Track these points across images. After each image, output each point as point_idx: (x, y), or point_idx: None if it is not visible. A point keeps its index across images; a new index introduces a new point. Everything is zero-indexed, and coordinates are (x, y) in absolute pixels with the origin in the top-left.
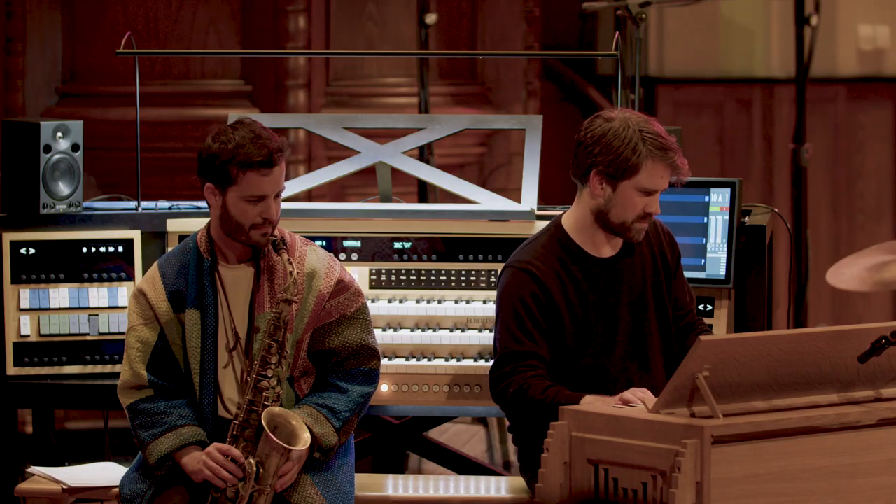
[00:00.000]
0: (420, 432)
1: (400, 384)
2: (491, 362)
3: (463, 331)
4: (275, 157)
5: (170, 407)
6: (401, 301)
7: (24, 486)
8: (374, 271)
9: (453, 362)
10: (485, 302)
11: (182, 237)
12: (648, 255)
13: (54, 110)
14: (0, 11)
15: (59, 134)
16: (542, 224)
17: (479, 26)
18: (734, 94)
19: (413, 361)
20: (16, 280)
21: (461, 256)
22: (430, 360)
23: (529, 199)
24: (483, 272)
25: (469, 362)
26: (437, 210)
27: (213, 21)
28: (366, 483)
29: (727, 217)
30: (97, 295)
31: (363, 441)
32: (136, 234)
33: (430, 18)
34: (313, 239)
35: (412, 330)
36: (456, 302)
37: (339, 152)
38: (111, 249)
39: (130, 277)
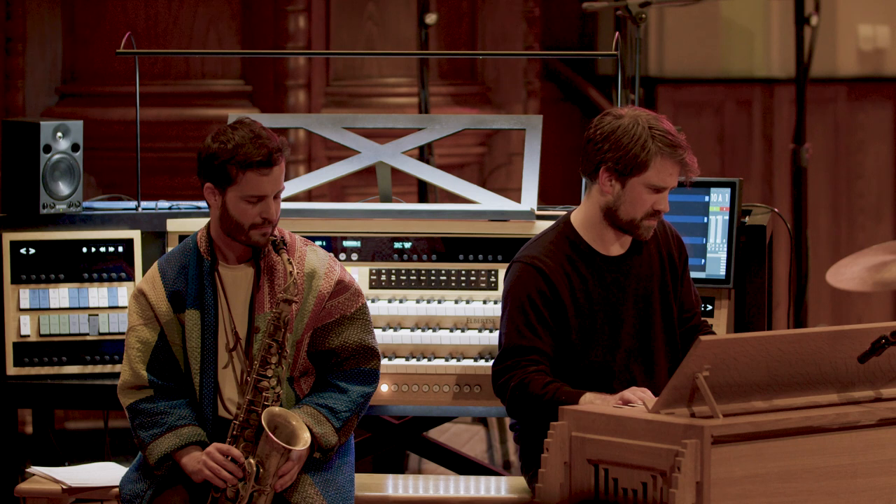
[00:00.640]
0: (420, 432)
1: (400, 384)
2: (491, 362)
3: (463, 331)
4: (274, 157)
5: (170, 407)
6: (401, 301)
7: (24, 486)
8: (374, 271)
9: (453, 362)
10: (485, 302)
11: (182, 237)
12: (656, 255)
13: (54, 110)
14: (0, 11)
15: (59, 134)
16: (543, 224)
17: (479, 26)
18: (734, 94)
19: (413, 361)
20: (16, 280)
21: (461, 256)
22: (430, 360)
23: (529, 199)
24: (483, 272)
25: (469, 362)
26: (437, 210)
27: (213, 21)
28: (366, 483)
29: (727, 217)
30: (97, 295)
31: (363, 441)
32: (136, 234)
33: (430, 18)
34: (313, 239)
35: (412, 330)
36: (456, 302)
37: (339, 152)
38: (111, 249)
39: (130, 277)
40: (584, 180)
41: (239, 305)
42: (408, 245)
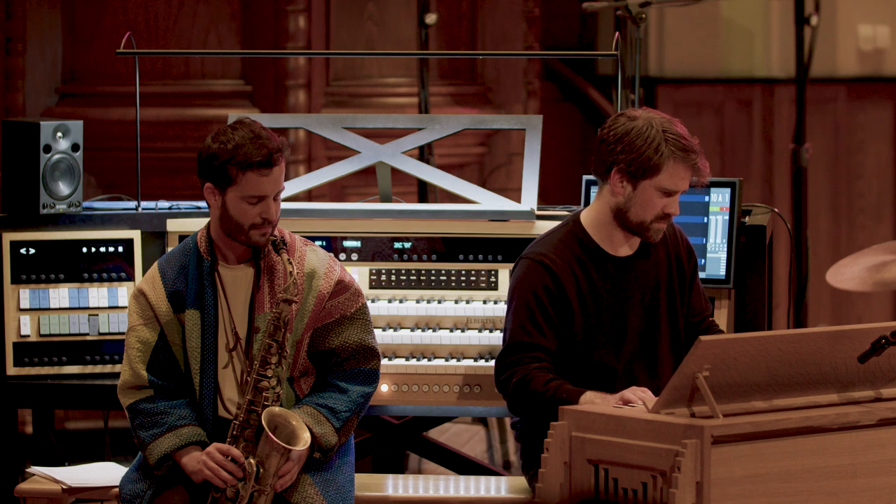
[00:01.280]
0: (420, 432)
1: (400, 384)
2: (491, 362)
3: (463, 331)
4: (274, 157)
5: (170, 407)
6: (401, 301)
7: (24, 486)
8: (374, 271)
9: (453, 362)
10: (485, 302)
11: (182, 237)
12: (664, 258)
13: (54, 110)
14: (0, 11)
15: (59, 134)
16: (543, 224)
17: (479, 26)
18: (734, 94)
19: (413, 361)
20: (16, 280)
21: (461, 256)
22: (430, 360)
23: (529, 199)
24: (483, 272)
25: (469, 362)
26: (437, 210)
27: (213, 21)
28: (366, 483)
29: (727, 217)
30: (97, 295)
31: (363, 441)
32: (136, 234)
33: (430, 18)
34: (313, 239)
35: (412, 330)
36: (456, 302)
37: (339, 152)
38: (111, 249)
39: (130, 277)
40: (583, 179)
41: (239, 305)
42: (408, 245)
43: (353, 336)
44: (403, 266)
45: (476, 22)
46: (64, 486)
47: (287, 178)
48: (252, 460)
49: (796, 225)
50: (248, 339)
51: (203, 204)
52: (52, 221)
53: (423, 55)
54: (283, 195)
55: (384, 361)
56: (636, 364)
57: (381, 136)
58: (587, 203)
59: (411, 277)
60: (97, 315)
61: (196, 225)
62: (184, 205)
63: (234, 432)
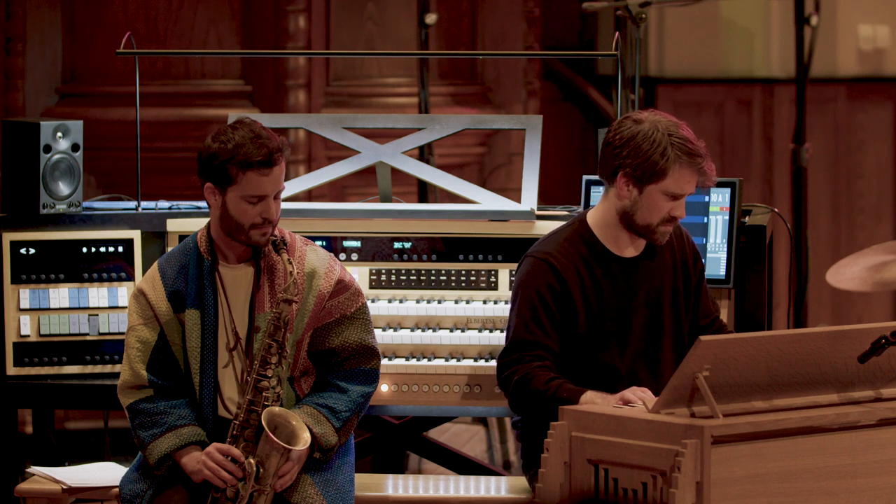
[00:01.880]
0: (420, 432)
1: (400, 384)
2: (492, 362)
3: (463, 331)
4: (274, 157)
5: (170, 407)
6: (401, 301)
7: (24, 486)
8: (374, 271)
9: (453, 362)
10: (484, 302)
11: (182, 237)
12: (669, 260)
13: (54, 110)
14: (0, 11)
15: (59, 134)
16: (543, 224)
17: (479, 26)
18: (734, 94)
19: (413, 361)
20: (16, 280)
21: (461, 256)
22: (430, 360)
23: (529, 199)
24: (483, 272)
25: (469, 362)
26: (437, 210)
27: (213, 21)
28: (366, 483)
29: (727, 217)
30: (97, 295)
31: (363, 441)
32: (136, 234)
33: (430, 18)
34: (313, 239)
35: (412, 330)
36: (456, 302)
37: (339, 152)
38: (111, 249)
39: (130, 277)
40: (583, 179)
41: (239, 305)
42: (408, 245)
43: (354, 336)
44: (403, 266)
45: (476, 22)
46: (64, 486)
47: (287, 178)
48: (252, 460)
49: (796, 225)
50: (249, 339)
51: (203, 204)
52: (52, 221)
53: (423, 55)
54: (283, 195)
55: (384, 361)
56: (639, 365)
57: (381, 136)
58: (587, 203)
59: (411, 277)
60: (97, 315)
61: (196, 225)
62: (184, 205)
63: (234, 432)
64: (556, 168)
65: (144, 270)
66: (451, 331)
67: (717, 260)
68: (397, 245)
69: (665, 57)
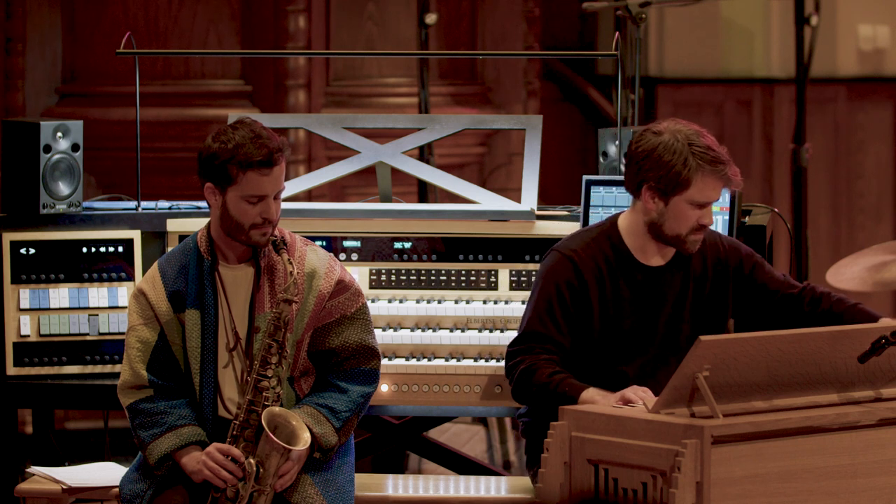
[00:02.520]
0: (420, 432)
1: (400, 384)
2: (492, 362)
3: (463, 331)
4: (275, 157)
5: (170, 407)
6: (401, 301)
7: (24, 486)
8: (374, 271)
9: (453, 362)
10: (485, 302)
11: (182, 237)
12: (699, 270)
13: (54, 110)
14: (0, 11)
15: (59, 134)
16: (543, 224)
17: (479, 26)
18: (734, 94)
19: (413, 361)
20: (16, 280)
21: (461, 256)
22: (430, 360)
23: (529, 199)
24: (483, 272)
25: (469, 362)
26: (437, 210)
27: (213, 21)
28: (366, 483)
29: (727, 217)
30: (97, 295)
31: (363, 441)
32: (136, 234)
33: (430, 18)
34: (313, 239)
35: (412, 330)
36: (456, 302)
37: (339, 152)
38: (111, 249)
39: (130, 277)
40: (583, 179)
41: (239, 305)
42: (408, 245)
43: (354, 336)
44: (403, 266)
45: (476, 22)
46: (64, 486)
47: (287, 178)
48: (252, 460)
49: (796, 225)
50: (249, 339)
51: (203, 204)
52: (52, 221)
53: (423, 55)
54: (283, 195)
55: (384, 361)
56: (649, 374)
57: (381, 136)
58: (587, 203)
59: (411, 277)
60: (97, 315)
61: (196, 225)
62: (184, 205)
63: (234, 432)
64: (556, 168)
65: (144, 270)
66: (451, 331)
67: None
68: (397, 245)
69: (665, 57)
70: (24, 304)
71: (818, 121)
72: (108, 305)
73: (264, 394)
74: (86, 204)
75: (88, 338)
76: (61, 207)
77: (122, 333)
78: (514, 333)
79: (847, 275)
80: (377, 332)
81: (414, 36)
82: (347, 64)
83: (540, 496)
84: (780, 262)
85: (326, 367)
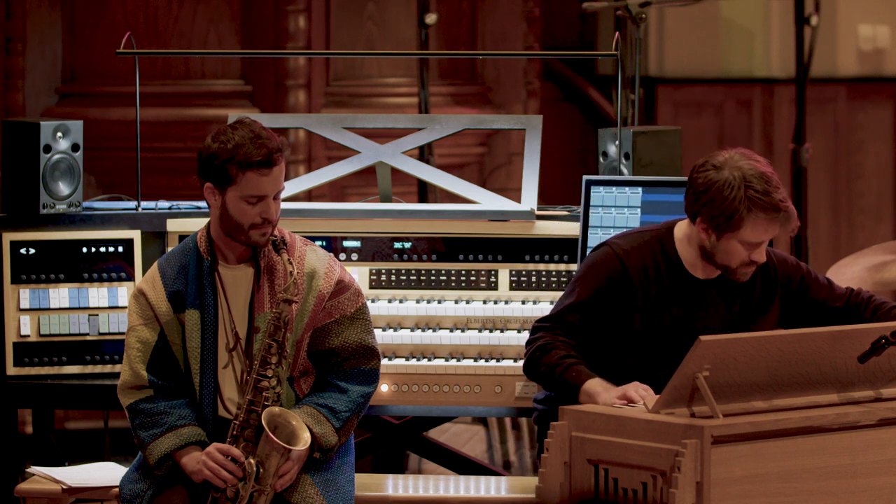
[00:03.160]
0: (420, 432)
1: (400, 384)
2: (491, 362)
3: (463, 331)
4: (274, 157)
5: (170, 407)
6: (401, 301)
7: (24, 486)
8: (374, 271)
9: (453, 362)
10: (485, 302)
11: (182, 237)
12: (748, 284)
13: (54, 110)
14: (0, 11)
15: (59, 134)
16: (543, 224)
17: (479, 26)
18: (734, 94)
19: (413, 361)
20: (16, 280)
21: (461, 256)
22: (430, 360)
23: (529, 199)
24: (483, 272)
25: (469, 362)
26: (437, 210)
27: (213, 21)
28: (366, 483)
29: None
30: (97, 295)
31: (363, 441)
32: (136, 234)
33: (430, 18)
34: (313, 239)
35: (412, 330)
36: (456, 302)
37: (339, 152)
38: (111, 249)
39: (130, 277)
40: (583, 179)
41: (239, 305)
42: (408, 245)
43: (354, 336)
44: (403, 266)
45: (476, 22)
46: (64, 486)
47: (287, 178)
48: (252, 460)
49: None
50: (248, 339)
51: (203, 204)
52: (52, 221)
53: (423, 55)
54: (283, 195)
55: (384, 361)
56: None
57: (381, 136)
58: (587, 203)
59: (411, 277)
60: (97, 315)
61: (196, 225)
62: (184, 205)
63: (234, 432)
64: (556, 168)
65: (144, 270)
66: (451, 331)
67: None
68: (397, 245)
69: (665, 57)
70: (24, 304)
71: (818, 121)
72: (108, 305)
73: (264, 394)
74: (86, 204)
75: (88, 338)
76: (61, 207)
77: (122, 333)
78: (514, 333)
79: (847, 275)
80: (377, 332)
81: (414, 36)
82: (347, 64)
83: (540, 496)
84: None
85: (326, 367)
